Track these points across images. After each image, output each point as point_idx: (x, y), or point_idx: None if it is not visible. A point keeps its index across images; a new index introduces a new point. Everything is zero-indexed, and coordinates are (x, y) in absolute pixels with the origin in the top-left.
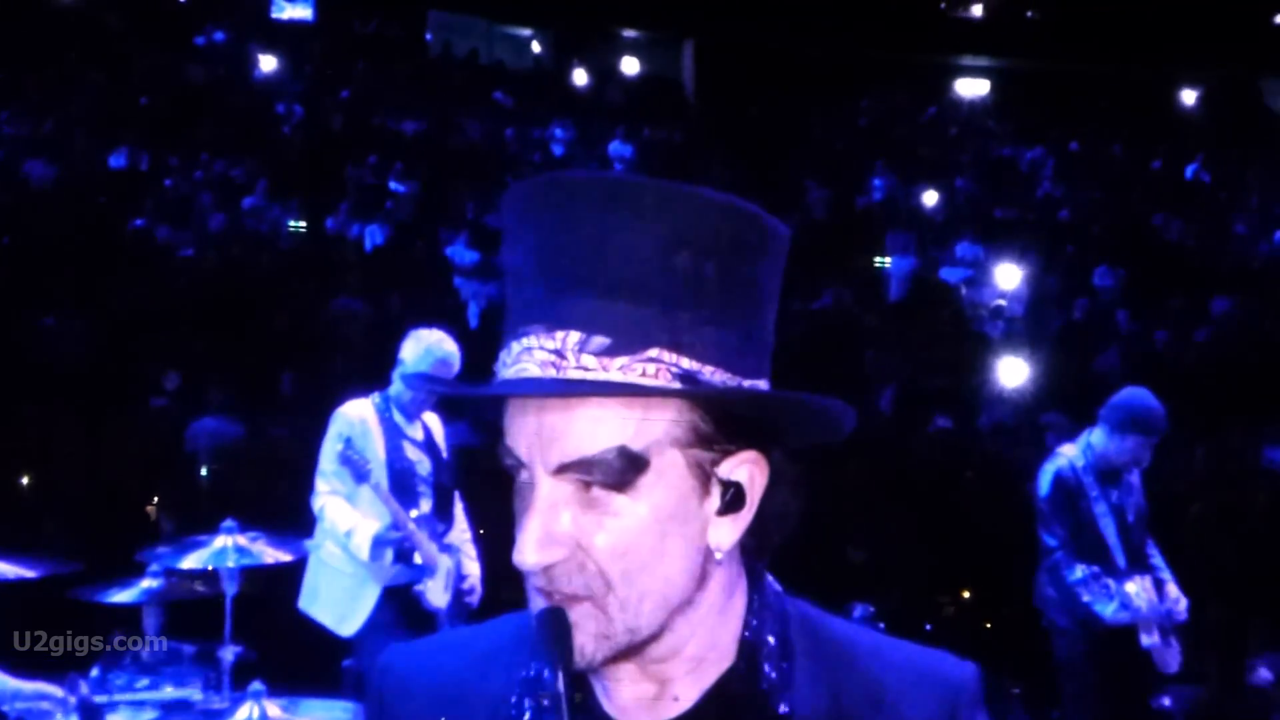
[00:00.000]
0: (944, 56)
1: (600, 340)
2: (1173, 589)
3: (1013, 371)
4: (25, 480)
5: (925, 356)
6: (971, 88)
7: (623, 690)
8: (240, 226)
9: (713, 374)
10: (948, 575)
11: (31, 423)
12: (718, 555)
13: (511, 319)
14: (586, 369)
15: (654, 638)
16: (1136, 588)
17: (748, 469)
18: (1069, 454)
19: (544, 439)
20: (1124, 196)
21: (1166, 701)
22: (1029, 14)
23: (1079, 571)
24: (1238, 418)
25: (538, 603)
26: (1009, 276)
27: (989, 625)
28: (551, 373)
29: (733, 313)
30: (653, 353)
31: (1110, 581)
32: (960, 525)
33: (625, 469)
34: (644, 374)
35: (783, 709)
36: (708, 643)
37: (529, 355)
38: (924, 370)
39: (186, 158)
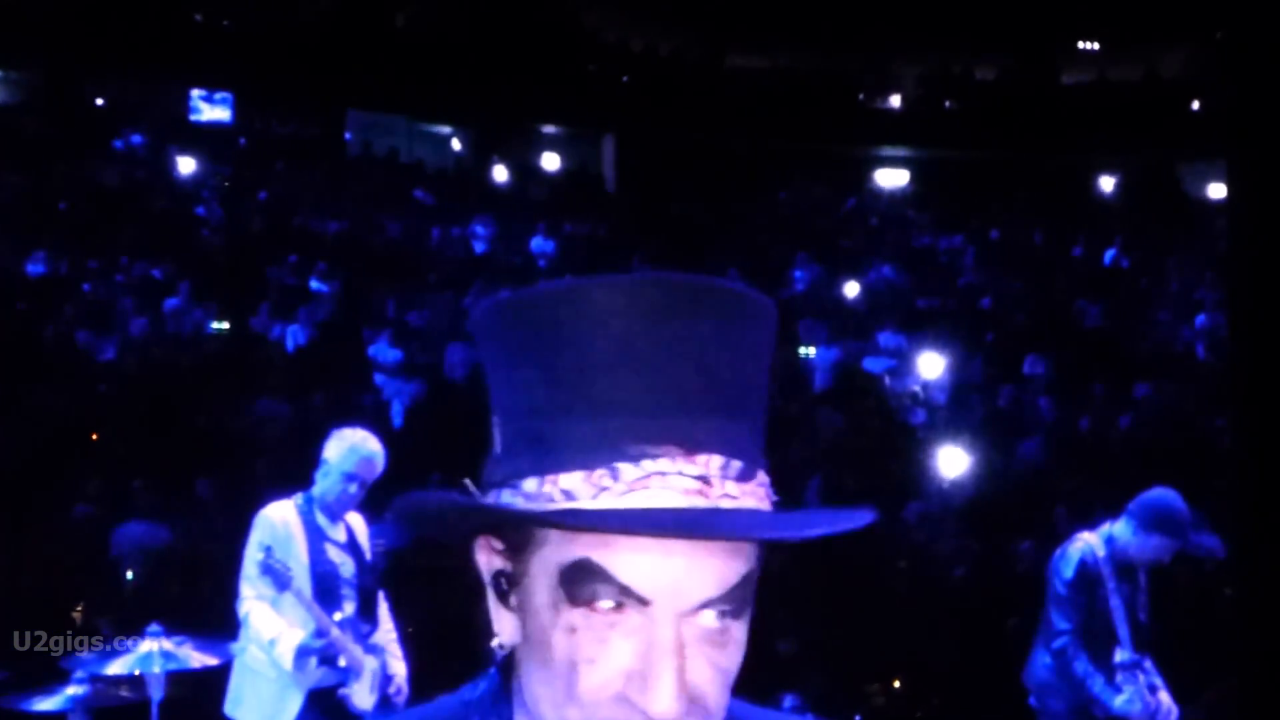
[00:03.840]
0: (863, 147)
1: (737, 465)
2: (1165, 696)
3: (940, 460)
4: None
5: (850, 446)
6: (891, 178)
7: None
8: (161, 329)
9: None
10: (877, 664)
11: None
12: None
13: (607, 435)
14: (732, 496)
15: None
16: (1142, 684)
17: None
18: (1091, 541)
19: (686, 575)
20: (1045, 283)
21: None
22: (947, 104)
23: (1120, 655)
24: None
25: None
26: (932, 365)
27: (919, 715)
28: (700, 501)
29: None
30: (761, 474)
31: (1138, 672)
32: (889, 615)
33: (746, 596)
34: (764, 498)
35: None
36: None
37: (664, 480)
38: (849, 460)
39: (106, 261)
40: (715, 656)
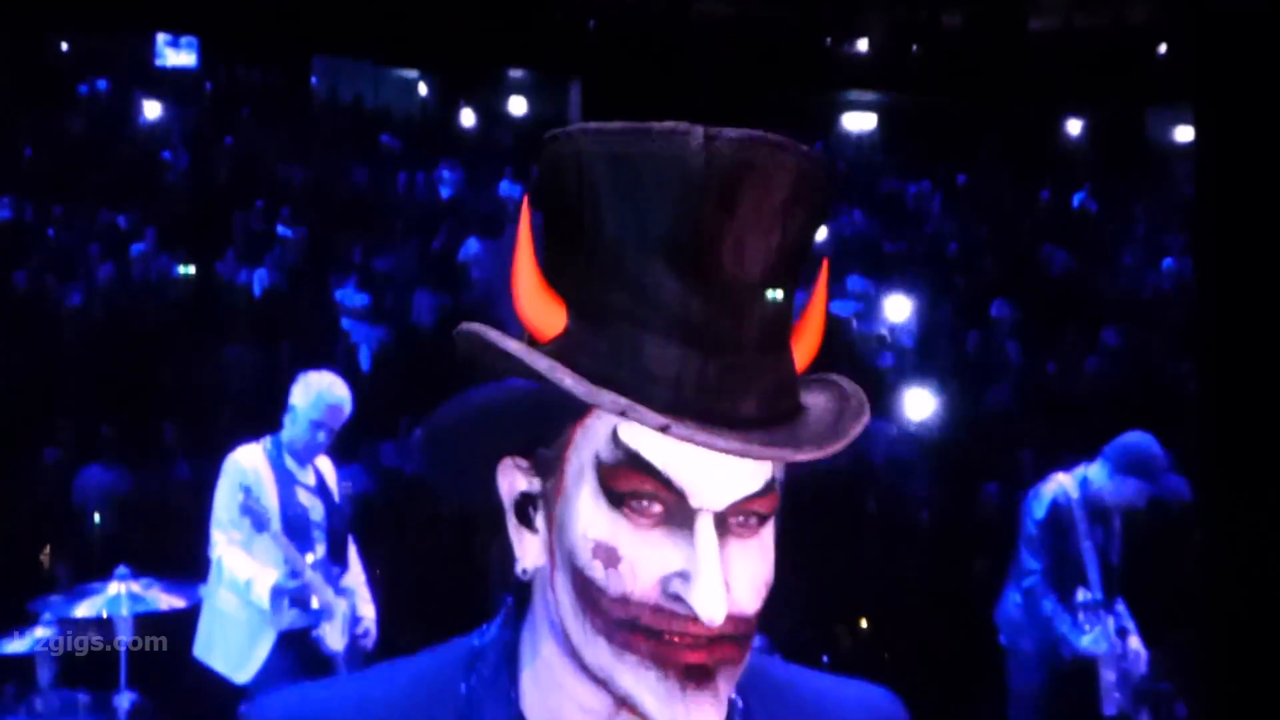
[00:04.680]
0: (830, 92)
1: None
2: (1135, 640)
3: (908, 404)
4: None
5: None
6: (858, 123)
7: None
8: (128, 275)
9: None
10: (844, 606)
11: None
12: None
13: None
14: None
15: None
16: (1110, 625)
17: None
18: (1065, 483)
19: (726, 470)
20: (1012, 228)
21: None
22: (914, 49)
23: (1082, 595)
24: None
25: (663, 670)
26: (899, 309)
27: (886, 656)
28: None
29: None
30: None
31: (1102, 612)
32: (857, 556)
33: (774, 502)
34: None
35: None
36: None
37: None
38: None
39: (71, 207)
40: (750, 562)
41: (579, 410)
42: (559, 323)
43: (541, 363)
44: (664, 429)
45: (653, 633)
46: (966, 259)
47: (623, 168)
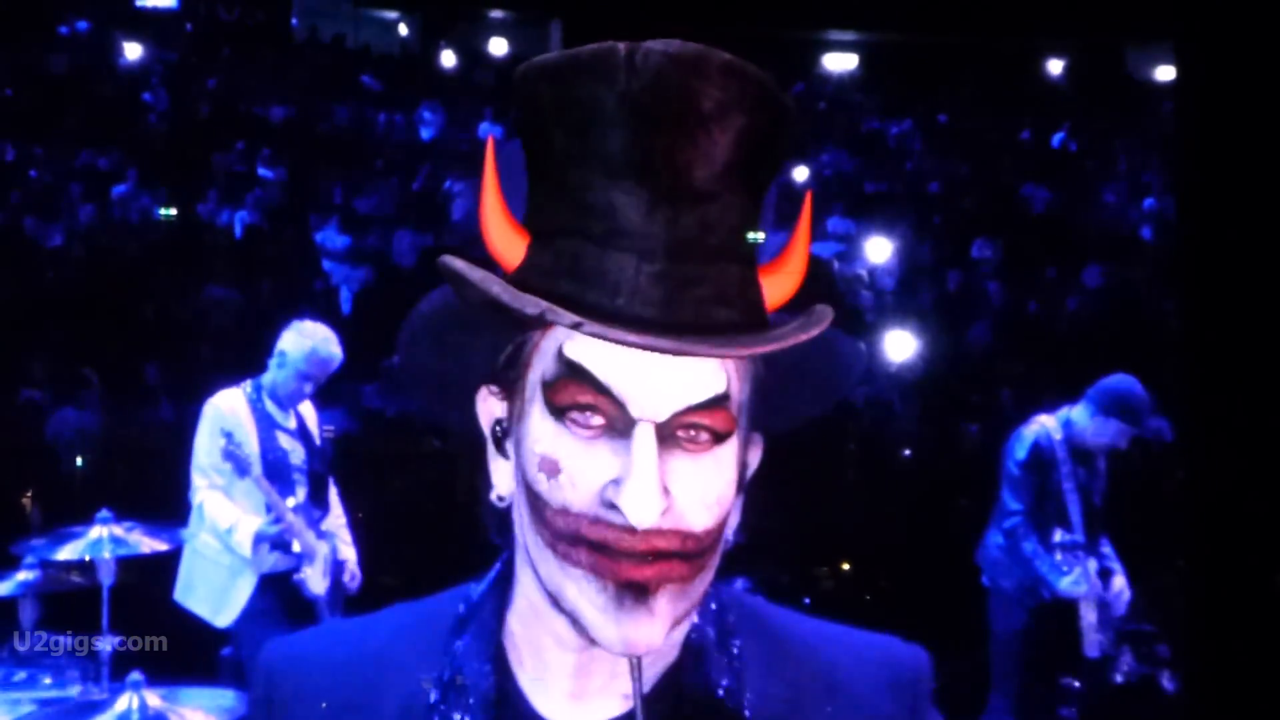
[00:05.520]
0: (811, 31)
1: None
2: (1119, 580)
3: (889, 344)
4: None
5: None
6: (839, 62)
7: (573, 685)
8: (109, 216)
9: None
10: (826, 548)
11: None
12: (729, 536)
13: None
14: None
15: (682, 623)
16: (1091, 567)
17: (756, 450)
18: (1047, 424)
19: (664, 379)
20: (993, 167)
21: (1075, 684)
22: None
23: (1059, 535)
24: None
25: (602, 581)
26: (880, 249)
27: (868, 598)
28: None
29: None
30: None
31: (1080, 553)
32: (838, 498)
33: (730, 420)
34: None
35: (733, 702)
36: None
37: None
38: None
39: (52, 148)
40: (699, 477)
41: (535, 332)
42: (520, 251)
43: (476, 274)
44: (576, 326)
45: (593, 544)
46: (947, 198)
47: (560, 91)
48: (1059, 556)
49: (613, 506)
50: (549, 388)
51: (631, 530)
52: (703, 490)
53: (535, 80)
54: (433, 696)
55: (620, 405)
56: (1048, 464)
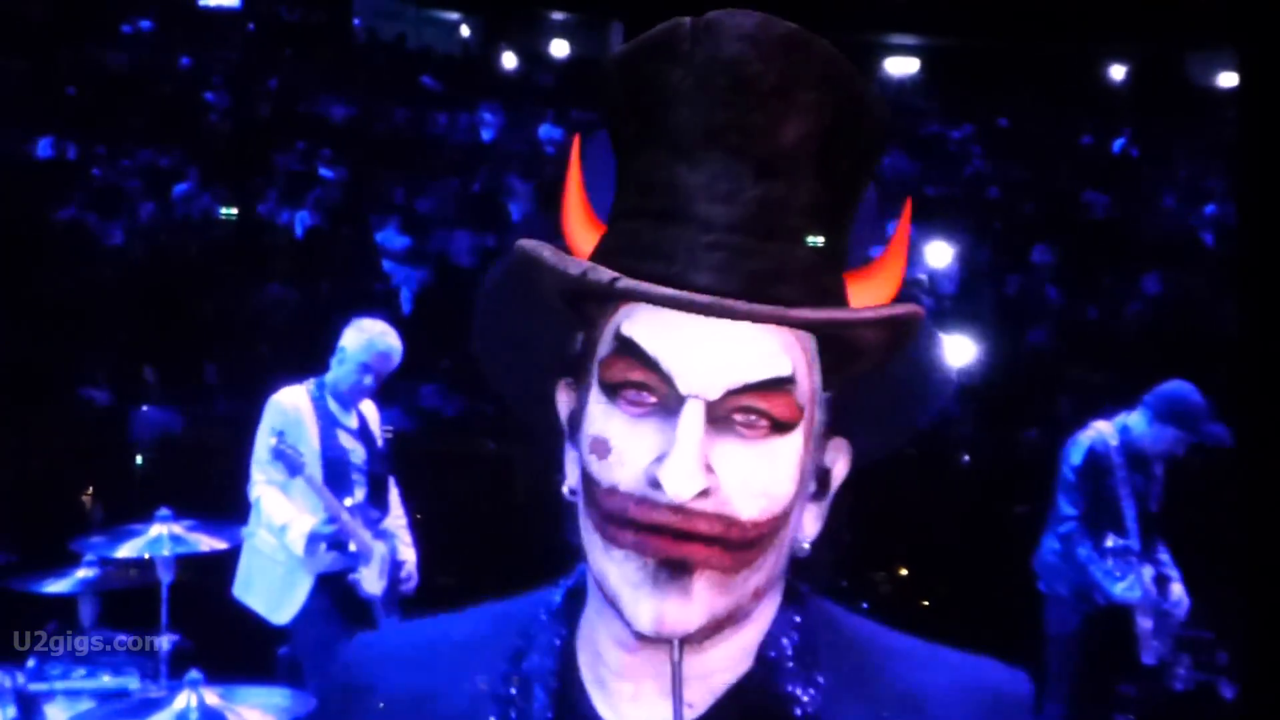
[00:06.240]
0: (873, 35)
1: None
2: (1177, 588)
3: (948, 349)
4: None
5: None
6: (900, 66)
7: (632, 687)
8: (170, 214)
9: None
10: (884, 553)
11: None
12: (805, 545)
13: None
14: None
15: (733, 624)
16: (1146, 574)
17: (840, 457)
18: (1104, 430)
19: (715, 355)
20: (1053, 172)
21: (1131, 690)
22: None
23: (1110, 541)
24: None
25: (642, 559)
26: (940, 254)
27: (926, 603)
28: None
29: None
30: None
31: (1133, 559)
32: (896, 502)
33: (789, 408)
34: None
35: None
36: (735, 642)
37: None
38: None
39: (114, 146)
40: (750, 465)
41: (601, 320)
42: (593, 240)
43: (528, 244)
44: (612, 283)
45: (637, 524)
46: (1008, 203)
47: (630, 74)
48: (1109, 562)
49: (657, 485)
50: (602, 365)
51: (675, 509)
52: (751, 477)
53: (611, 70)
54: (500, 693)
55: (669, 381)
56: (1103, 470)
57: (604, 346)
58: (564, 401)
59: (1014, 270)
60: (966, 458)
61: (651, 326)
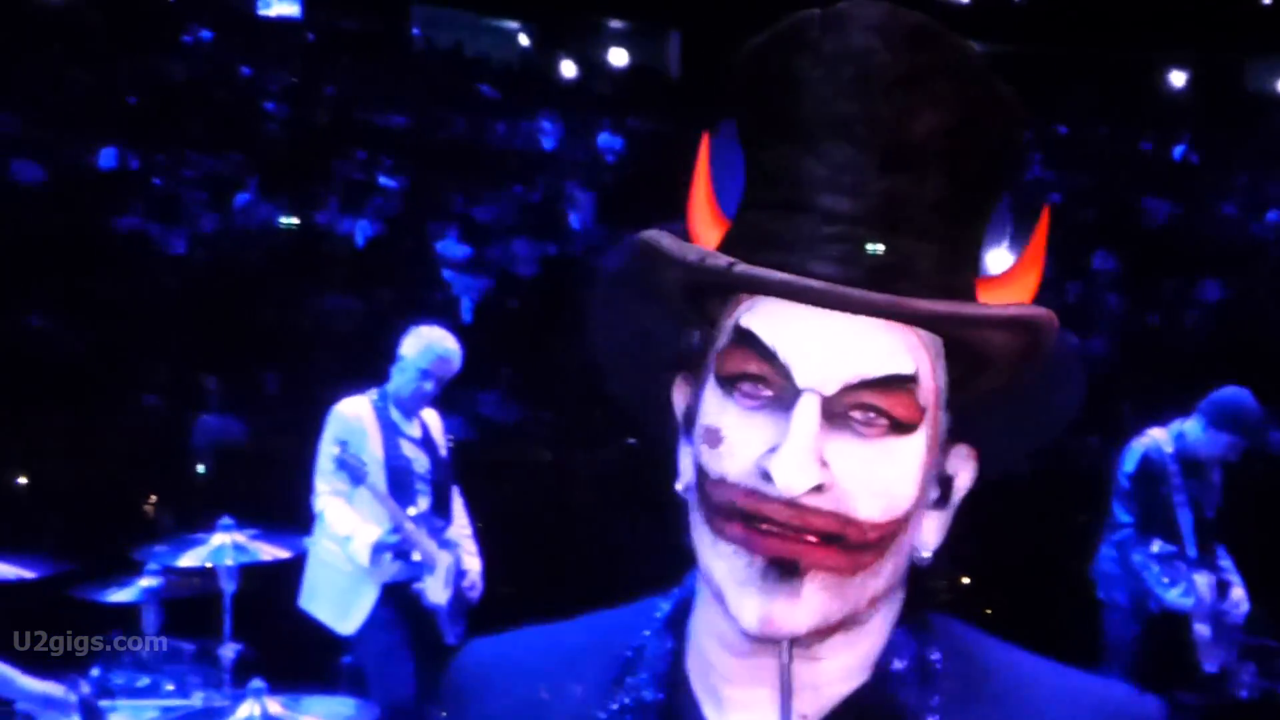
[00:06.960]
0: None
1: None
2: (1237, 591)
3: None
4: (19, 480)
5: None
6: None
7: (740, 694)
8: (231, 223)
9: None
10: (944, 561)
11: (23, 422)
12: (925, 554)
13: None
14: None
15: (846, 630)
16: (1202, 581)
17: (965, 466)
18: (1159, 437)
19: (834, 348)
20: (1113, 179)
21: (1192, 699)
22: None
23: (1155, 547)
24: None
25: (750, 555)
26: (1000, 260)
27: (989, 611)
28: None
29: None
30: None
31: (1180, 565)
32: (957, 512)
33: (910, 407)
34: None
35: None
36: (850, 652)
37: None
38: None
39: (174, 156)
40: (868, 463)
41: (721, 315)
42: (717, 236)
43: (649, 233)
44: (730, 267)
45: (746, 517)
46: (1068, 210)
47: (757, 65)
48: (1156, 568)
49: (768, 477)
50: (720, 358)
51: (787, 504)
52: (870, 476)
53: (739, 61)
54: (609, 702)
55: (786, 374)
56: (1157, 477)
57: (723, 339)
58: (680, 397)
59: (1075, 277)
60: (1026, 466)
61: (771, 319)
